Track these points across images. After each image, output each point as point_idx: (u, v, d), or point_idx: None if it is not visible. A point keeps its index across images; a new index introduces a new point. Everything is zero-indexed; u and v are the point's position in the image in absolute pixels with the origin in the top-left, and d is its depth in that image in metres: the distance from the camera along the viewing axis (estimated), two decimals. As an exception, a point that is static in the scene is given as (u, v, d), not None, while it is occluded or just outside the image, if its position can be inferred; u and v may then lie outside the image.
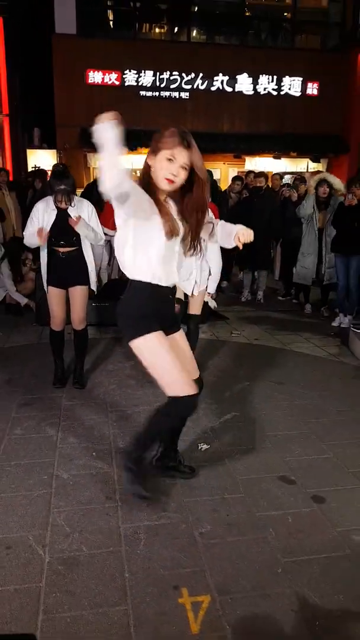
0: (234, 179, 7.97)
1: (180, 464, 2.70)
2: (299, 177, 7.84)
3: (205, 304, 4.25)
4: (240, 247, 2.28)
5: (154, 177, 2.07)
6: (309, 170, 13.06)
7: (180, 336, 2.40)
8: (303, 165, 13.75)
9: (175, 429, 2.61)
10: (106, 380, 4.03)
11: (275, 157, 13.22)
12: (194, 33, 13.47)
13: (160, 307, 2.25)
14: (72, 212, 3.59)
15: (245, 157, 13.56)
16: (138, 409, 3.51)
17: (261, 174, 6.85)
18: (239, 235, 2.24)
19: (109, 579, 2.03)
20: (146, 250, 2.14)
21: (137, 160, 14.28)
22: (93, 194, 6.41)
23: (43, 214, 3.59)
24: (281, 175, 9.14)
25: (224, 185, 10.94)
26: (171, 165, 2.01)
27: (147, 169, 2.10)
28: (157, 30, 13.81)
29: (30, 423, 3.29)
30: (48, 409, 3.49)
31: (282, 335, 5.36)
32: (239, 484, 2.66)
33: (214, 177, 7.93)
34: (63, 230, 3.59)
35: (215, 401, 3.64)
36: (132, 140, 12.79)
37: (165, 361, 2.18)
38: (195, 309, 4.06)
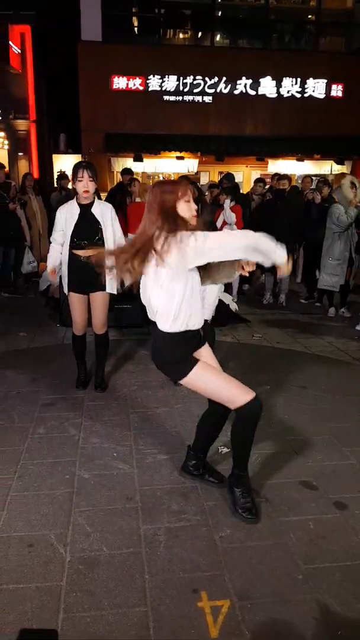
0: (257, 181, 7.95)
1: (206, 474, 2.66)
2: (322, 180, 7.74)
3: (227, 306, 4.21)
4: (246, 274, 2.34)
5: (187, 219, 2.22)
6: (333, 173, 12.89)
7: (204, 350, 2.42)
8: (327, 167, 13.57)
9: (210, 437, 2.61)
10: (128, 381, 4.04)
11: (298, 160, 13.10)
12: (218, 37, 13.46)
13: (193, 344, 2.34)
14: (96, 209, 3.49)
15: (268, 159, 13.47)
16: (159, 410, 3.51)
17: (284, 177, 6.79)
18: (242, 263, 2.28)
19: (128, 579, 2.02)
20: (191, 300, 2.24)
21: (161, 163, 14.30)
22: (115, 198, 6.46)
23: (65, 218, 3.52)
24: (312, 178, 8.99)
25: (246, 188, 10.90)
26: (190, 203, 2.22)
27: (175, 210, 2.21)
28: (180, 35, 13.85)
29: (53, 423, 3.32)
30: (71, 409, 3.52)
31: (305, 339, 5.29)
32: (259, 488, 2.63)
33: (236, 180, 7.87)
34: (86, 230, 3.47)
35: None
36: (156, 144, 12.89)
37: (216, 382, 2.31)
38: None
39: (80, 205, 3.51)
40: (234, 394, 2.29)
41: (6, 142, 13.57)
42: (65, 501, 2.51)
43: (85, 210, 3.49)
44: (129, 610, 1.89)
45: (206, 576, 2.04)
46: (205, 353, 2.41)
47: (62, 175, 9.17)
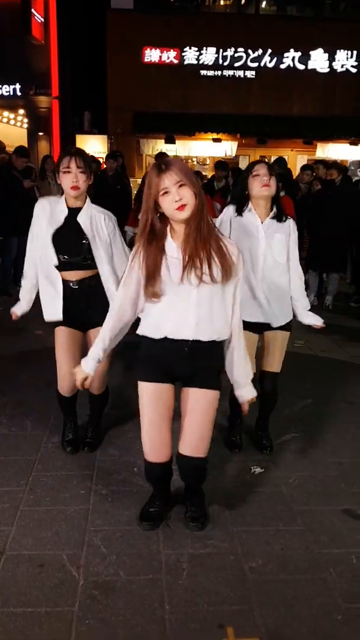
0: (304, 167, 7.87)
1: (187, 517, 2.54)
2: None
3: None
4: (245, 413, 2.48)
5: (170, 216, 2.12)
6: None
7: (196, 396, 2.30)
8: (385, 152, 13.38)
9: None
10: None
11: (352, 144, 12.94)
12: (263, 4, 13.42)
13: (169, 360, 2.26)
14: (83, 216, 2.81)
15: (317, 143, 13.36)
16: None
17: (333, 165, 6.72)
18: (244, 400, 2.41)
19: (147, 609, 2.05)
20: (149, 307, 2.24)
21: (196, 146, 14.34)
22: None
23: (47, 222, 2.79)
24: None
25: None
26: (169, 195, 2.05)
27: (152, 214, 2.11)
28: (221, 2, 13.87)
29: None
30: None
31: (353, 348, 5.22)
32: (296, 515, 2.62)
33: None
34: (74, 242, 2.79)
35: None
36: (191, 125, 12.93)
37: (143, 416, 2.34)
38: (273, 363, 3.10)
39: (69, 208, 2.82)
40: (144, 441, 2.36)
41: (26, 120, 13.86)
42: (80, 519, 2.55)
43: (72, 216, 2.82)
44: (146, 643, 1.91)
45: (234, 610, 2.05)
46: (192, 397, 2.31)
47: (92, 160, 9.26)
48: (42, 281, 2.89)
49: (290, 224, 2.95)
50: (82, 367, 2.32)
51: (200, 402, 2.30)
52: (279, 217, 2.91)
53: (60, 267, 2.82)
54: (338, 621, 2.01)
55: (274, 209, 2.91)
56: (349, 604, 2.09)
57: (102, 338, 2.29)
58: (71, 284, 2.85)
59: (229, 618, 2.02)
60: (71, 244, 2.81)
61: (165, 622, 1.99)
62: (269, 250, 2.88)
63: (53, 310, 2.87)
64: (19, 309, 3.05)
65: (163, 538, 2.44)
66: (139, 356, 2.34)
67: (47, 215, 2.80)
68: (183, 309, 2.16)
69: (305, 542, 2.43)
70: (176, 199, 2.04)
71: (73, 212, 2.82)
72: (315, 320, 3.08)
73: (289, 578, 2.22)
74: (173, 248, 2.15)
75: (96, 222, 2.84)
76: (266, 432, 3.28)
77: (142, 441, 2.35)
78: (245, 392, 2.40)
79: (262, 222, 2.89)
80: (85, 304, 2.89)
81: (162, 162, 2.08)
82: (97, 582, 2.18)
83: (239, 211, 2.91)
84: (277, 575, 2.23)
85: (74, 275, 2.84)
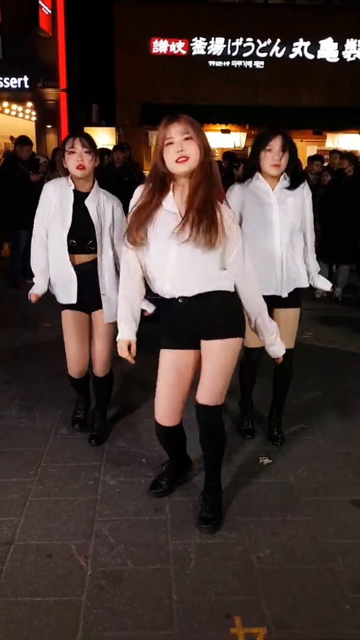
0: (312, 158, 7.82)
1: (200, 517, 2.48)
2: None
3: None
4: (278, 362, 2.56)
5: (170, 169, 2.10)
6: None
7: (205, 348, 2.30)
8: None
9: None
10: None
11: (361, 134, 12.81)
12: (272, -7, 13.29)
13: (175, 320, 2.31)
14: (91, 201, 2.84)
15: (326, 133, 13.23)
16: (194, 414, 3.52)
17: (345, 156, 6.65)
18: (278, 356, 2.50)
19: (154, 599, 2.06)
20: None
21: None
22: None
23: (59, 205, 2.82)
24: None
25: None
26: (173, 145, 2.04)
27: (161, 167, 2.11)
28: (230, -9, 13.75)
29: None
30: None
31: (362, 339, 5.19)
32: (304, 505, 2.62)
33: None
34: (81, 227, 2.82)
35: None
36: (199, 116, 12.86)
37: (159, 380, 2.41)
38: (286, 340, 2.68)
39: (74, 192, 2.84)
40: (156, 402, 2.43)
41: (34, 112, 13.85)
42: (88, 509, 2.57)
43: (80, 200, 2.84)
44: (154, 633, 1.92)
45: (241, 600, 2.05)
46: (210, 349, 2.31)
47: (103, 151, 9.17)
48: (54, 264, 2.90)
49: (304, 188, 2.86)
50: (120, 336, 2.35)
51: (208, 352, 2.30)
52: (292, 185, 2.81)
53: (72, 248, 2.85)
54: (345, 611, 2.01)
55: (286, 178, 2.80)
56: (356, 594, 2.09)
57: (122, 296, 2.36)
58: (74, 268, 2.88)
59: (236, 608, 2.02)
60: (81, 228, 2.82)
61: (173, 612, 2.00)
62: (284, 215, 2.78)
63: (67, 294, 2.91)
64: (39, 289, 2.96)
65: (171, 528, 2.44)
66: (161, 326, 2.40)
67: (58, 198, 2.82)
68: (160, 265, 2.18)
69: (312, 533, 2.43)
70: (178, 150, 2.01)
71: (81, 197, 2.83)
72: (325, 285, 3.20)
73: (296, 568, 2.22)
74: (170, 202, 2.14)
75: (103, 207, 2.86)
76: (279, 422, 3.24)
77: (155, 403, 2.44)
78: (277, 349, 2.47)
79: (272, 190, 2.79)
80: (87, 287, 2.90)
81: (174, 114, 2.07)
82: (105, 572, 2.19)
83: (247, 180, 2.82)
84: (285, 566, 2.23)
85: (75, 260, 2.86)
